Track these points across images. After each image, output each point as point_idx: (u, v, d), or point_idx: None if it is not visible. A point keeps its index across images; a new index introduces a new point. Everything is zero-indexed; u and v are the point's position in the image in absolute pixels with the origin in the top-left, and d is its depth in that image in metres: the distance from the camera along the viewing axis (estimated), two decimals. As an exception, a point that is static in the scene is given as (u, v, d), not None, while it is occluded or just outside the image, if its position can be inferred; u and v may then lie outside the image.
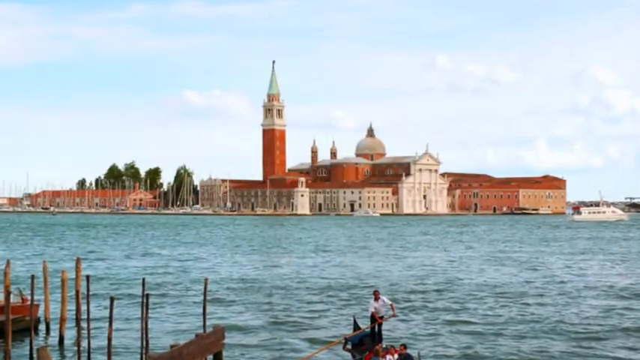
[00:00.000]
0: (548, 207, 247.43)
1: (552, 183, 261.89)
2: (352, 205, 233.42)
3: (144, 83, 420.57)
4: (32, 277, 21.75)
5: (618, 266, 52.21)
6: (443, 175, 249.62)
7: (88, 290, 21.48)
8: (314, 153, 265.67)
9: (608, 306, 31.93)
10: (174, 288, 37.99)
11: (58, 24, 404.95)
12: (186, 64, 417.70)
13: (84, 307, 21.84)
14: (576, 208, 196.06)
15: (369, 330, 20.22)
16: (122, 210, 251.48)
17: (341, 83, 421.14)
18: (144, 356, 18.54)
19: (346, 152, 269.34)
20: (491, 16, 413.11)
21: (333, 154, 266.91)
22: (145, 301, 19.25)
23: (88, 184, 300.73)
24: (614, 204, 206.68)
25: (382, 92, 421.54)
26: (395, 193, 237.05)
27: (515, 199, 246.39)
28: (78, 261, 24.42)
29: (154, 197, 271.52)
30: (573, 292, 36.56)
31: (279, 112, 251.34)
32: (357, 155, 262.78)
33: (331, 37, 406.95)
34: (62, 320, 23.01)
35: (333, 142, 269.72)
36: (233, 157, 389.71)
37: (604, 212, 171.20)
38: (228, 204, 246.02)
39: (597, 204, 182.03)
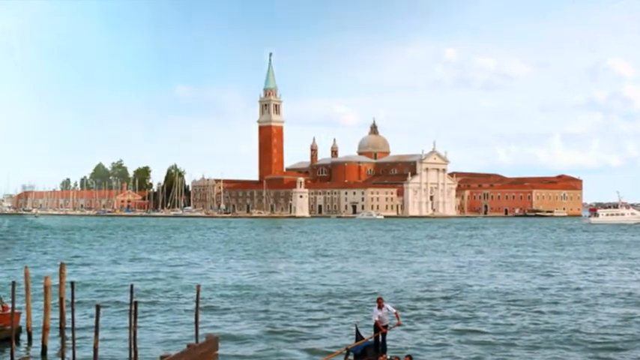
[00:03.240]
0: (564, 209, 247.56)
1: (568, 183, 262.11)
2: (354, 207, 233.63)
3: (132, 77, 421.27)
4: (13, 284, 21.76)
5: (638, 272, 52.31)
6: (451, 174, 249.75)
7: (72, 297, 21.50)
8: (313, 151, 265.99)
9: (627, 314, 31.99)
10: (165, 295, 38.04)
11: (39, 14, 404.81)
12: (177, 57, 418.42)
13: (68, 316, 21.87)
14: (593, 210, 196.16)
15: (372, 340, 20.25)
16: (109, 212, 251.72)
17: (342, 77, 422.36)
18: (132, 368, 18.56)
19: (348, 150, 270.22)
20: (502, 7, 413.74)
21: (334, 152, 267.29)
22: (133, 309, 19.26)
23: (72, 184, 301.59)
24: (633, 205, 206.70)
25: (386, 86, 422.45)
26: (400, 193, 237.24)
27: (528, 200, 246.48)
28: (62, 266, 24.46)
29: (143, 198, 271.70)
30: (590, 300, 36.63)
31: (277, 108, 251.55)
32: (360, 153, 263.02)
33: (331, 29, 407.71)
34: (45, 329, 23.02)
35: (334, 140, 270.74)
36: (227, 155, 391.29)
37: (623, 214, 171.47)
38: (222, 205, 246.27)
39: (615, 205, 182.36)
